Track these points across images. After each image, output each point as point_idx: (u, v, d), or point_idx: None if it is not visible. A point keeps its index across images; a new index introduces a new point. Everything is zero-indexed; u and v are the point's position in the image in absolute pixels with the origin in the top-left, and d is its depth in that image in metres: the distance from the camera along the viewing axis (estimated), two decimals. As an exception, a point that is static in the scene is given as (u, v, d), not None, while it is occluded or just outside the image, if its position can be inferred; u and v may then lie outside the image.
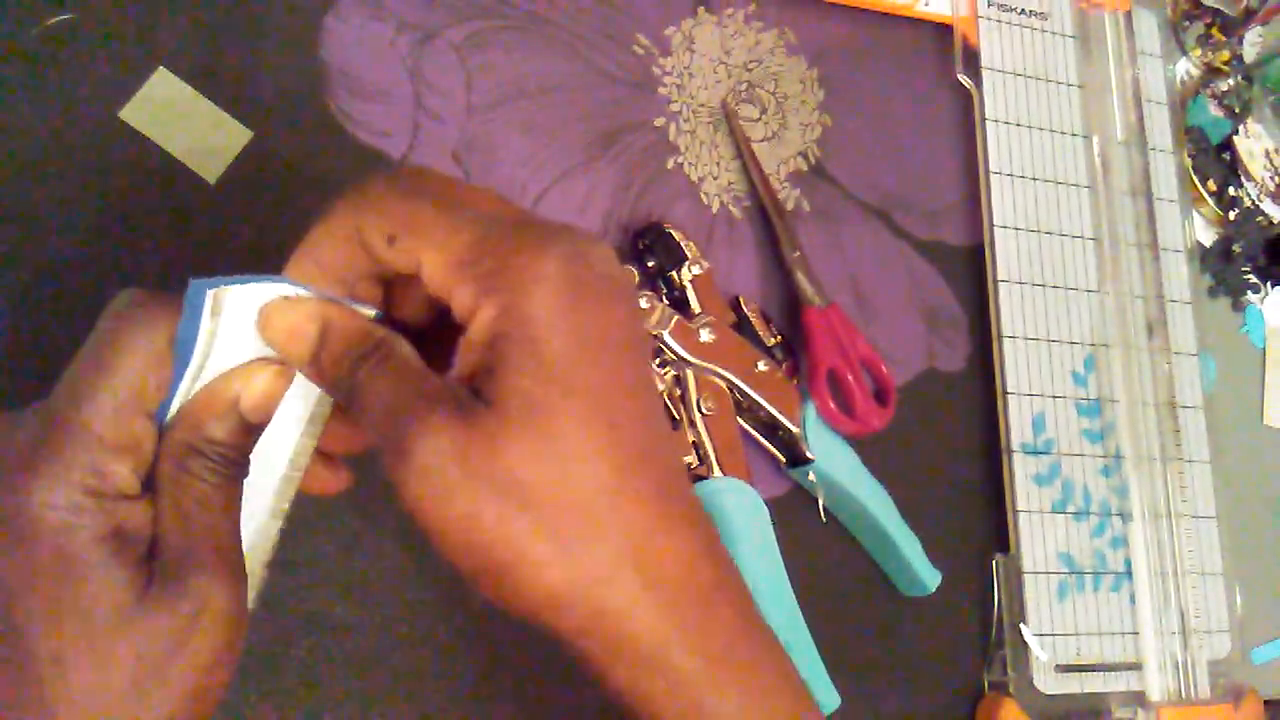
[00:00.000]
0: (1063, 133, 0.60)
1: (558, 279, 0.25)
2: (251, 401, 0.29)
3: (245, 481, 0.29)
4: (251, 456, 0.30)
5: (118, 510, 0.27)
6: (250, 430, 0.29)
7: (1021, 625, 0.52)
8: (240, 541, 0.29)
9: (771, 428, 0.50)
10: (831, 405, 0.49)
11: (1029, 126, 0.59)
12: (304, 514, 0.43)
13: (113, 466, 0.27)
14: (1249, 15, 0.69)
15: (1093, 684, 0.52)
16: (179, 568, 0.27)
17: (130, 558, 0.27)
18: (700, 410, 0.47)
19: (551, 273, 0.25)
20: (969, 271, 0.58)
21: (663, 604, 0.26)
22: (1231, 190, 0.66)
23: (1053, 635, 0.52)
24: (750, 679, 0.28)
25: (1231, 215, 0.66)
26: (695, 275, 0.48)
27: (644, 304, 0.47)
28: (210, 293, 0.28)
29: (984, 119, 0.58)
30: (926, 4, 0.59)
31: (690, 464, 0.46)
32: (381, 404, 0.27)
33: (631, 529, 0.26)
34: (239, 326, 0.28)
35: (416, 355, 0.28)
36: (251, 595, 0.30)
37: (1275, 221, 0.66)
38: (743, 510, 0.46)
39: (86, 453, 0.26)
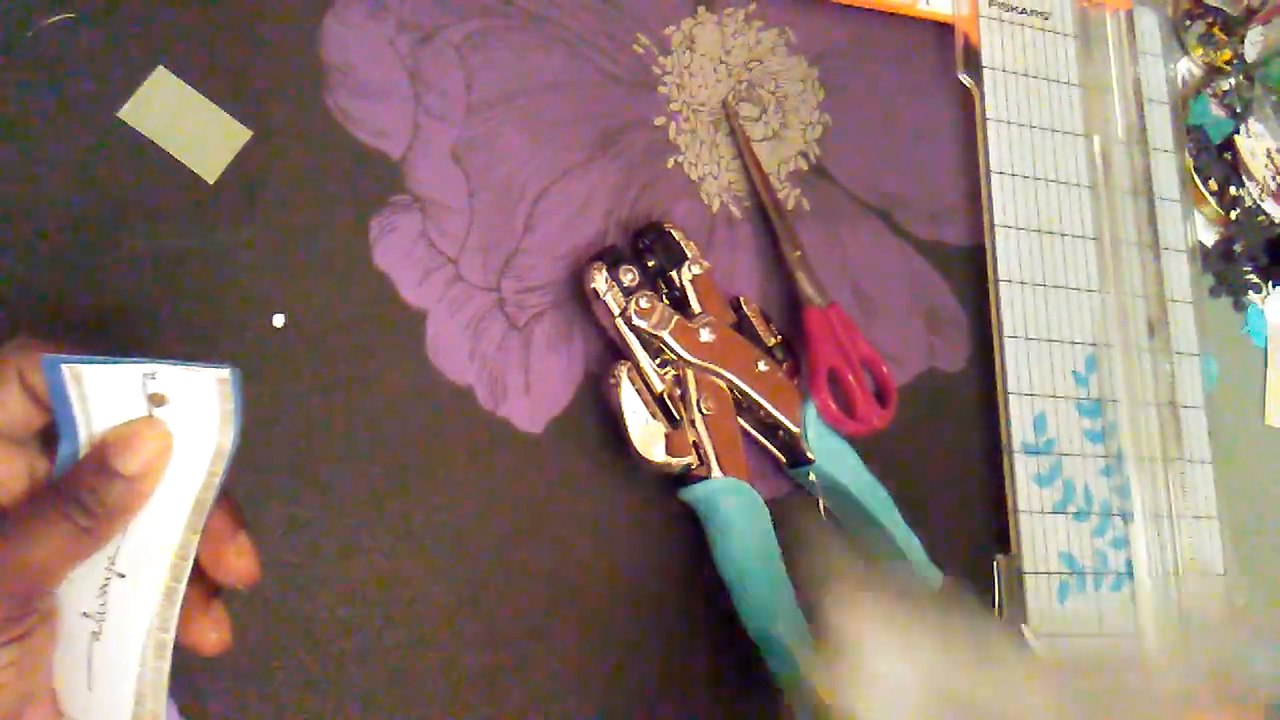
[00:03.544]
0: (1064, 132, 0.60)
1: None
2: (128, 458, 0.30)
3: (128, 580, 0.31)
4: (132, 551, 0.31)
5: None
6: (129, 490, 0.30)
7: (1022, 625, 0.51)
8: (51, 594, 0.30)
9: (772, 428, 0.50)
10: (832, 405, 0.49)
11: (1030, 126, 0.59)
12: (303, 515, 0.43)
13: None
14: (1250, 14, 0.69)
15: (1093, 684, 0.52)
16: None
17: None
18: (700, 410, 0.47)
19: None
20: (969, 271, 0.57)
21: None
22: (1233, 190, 0.66)
23: (1053, 635, 0.52)
24: None
25: (1233, 215, 0.66)
26: (695, 275, 0.48)
27: (644, 303, 0.47)
28: (64, 369, 0.30)
29: (985, 118, 0.58)
30: (927, 3, 0.59)
31: (690, 464, 0.46)
32: None
33: None
34: (108, 396, 0.30)
35: None
36: None
37: (1276, 221, 0.66)
38: (743, 510, 0.46)
39: None
